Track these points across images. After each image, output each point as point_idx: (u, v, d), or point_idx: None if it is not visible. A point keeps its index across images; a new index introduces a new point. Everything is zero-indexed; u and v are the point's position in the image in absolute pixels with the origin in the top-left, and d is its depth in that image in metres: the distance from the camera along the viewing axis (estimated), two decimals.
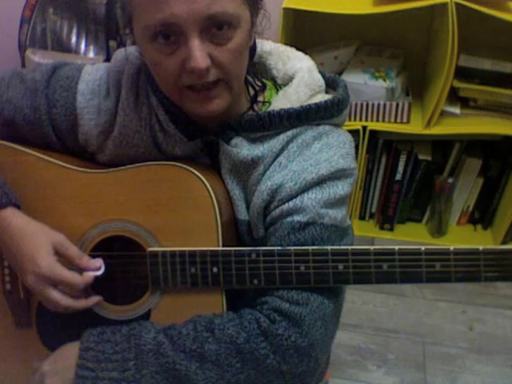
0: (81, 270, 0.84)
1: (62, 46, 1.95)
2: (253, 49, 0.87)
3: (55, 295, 0.82)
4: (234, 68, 0.77)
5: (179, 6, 0.69)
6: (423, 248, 0.78)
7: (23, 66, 1.94)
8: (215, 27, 0.72)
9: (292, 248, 0.80)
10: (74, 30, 1.96)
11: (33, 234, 0.84)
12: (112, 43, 1.94)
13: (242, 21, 0.74)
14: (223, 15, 0.71)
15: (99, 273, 0.86)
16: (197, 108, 0.79)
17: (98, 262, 0.86)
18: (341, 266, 0.79)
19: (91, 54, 1.95)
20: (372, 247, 0.79)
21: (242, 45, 0.76)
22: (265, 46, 0.93)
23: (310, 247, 0.80)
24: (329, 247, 0.80)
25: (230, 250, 0.81)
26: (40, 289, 0.82)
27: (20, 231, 0.84)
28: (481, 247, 0.77)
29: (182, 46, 0.72)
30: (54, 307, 0.84)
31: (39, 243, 0.83)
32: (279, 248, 0.81)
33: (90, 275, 0.84)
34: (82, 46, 1.96)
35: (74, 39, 1.96)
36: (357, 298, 1.88)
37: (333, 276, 0.80)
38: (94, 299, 0.87)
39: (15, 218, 0.85)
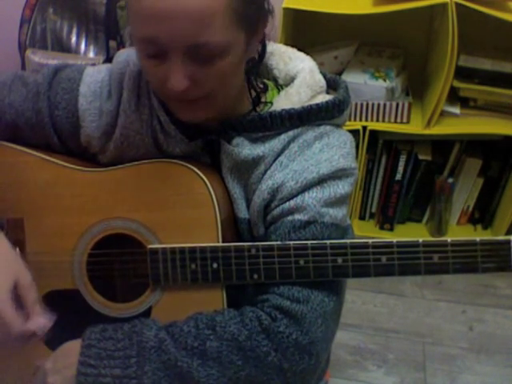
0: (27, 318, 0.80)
1: (62, 46, 1.95)
2: (259, 54, 0.86)
3: None
4: (217, 89, 0.77)
5: (163, 31, 0.69)
6: (421, 240, 0.79)
7: (23, 66, 1.95)
8: (200, 52, 0.71)
9: (291, 243, 0.81)
10: (74, 30, 1.96)
11: (1, 263, 0.81)
12: (112, 43, 1.95)
13: (231, 48, 0.73)
14: (208, 46, 0.70)
15: (40, 332, 0.80)
16: (181, 115, 0.81)
17: (42, 322, 0.81)
18: (340, 260, 0.80)
19: (91, 54, 1.95)
20: (370, 240, 0.79)
21: (229, 69, 0.75)
22: (266, 46, 0.93)
23: (309, 241, 0.80)
24: (327, 241, 0.80)
25: (230, 246, 0.82)
26: None
27: None
28: (478, 238, 0.78)
29: (166, 61, 0.73)
30: None
31: (1, 276, 0.79)
32: (278, 243, 0.81)
33: (31, 327, 0.80)
34: (82, 46, 1.96)
35: (74, 39, 1.96)
36: (357, 298, 1.88)
37: (332, 269, 0.80)
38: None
39: None
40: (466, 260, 0.78)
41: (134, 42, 0.74)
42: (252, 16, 0.74)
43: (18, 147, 0.91)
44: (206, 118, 0.81)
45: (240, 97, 0.86)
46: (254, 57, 0.85)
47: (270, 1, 0.80)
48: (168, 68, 0.73)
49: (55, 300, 0.86)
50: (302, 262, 0.80)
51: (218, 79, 0.75)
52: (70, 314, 0.88)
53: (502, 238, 0.78)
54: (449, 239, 0.78)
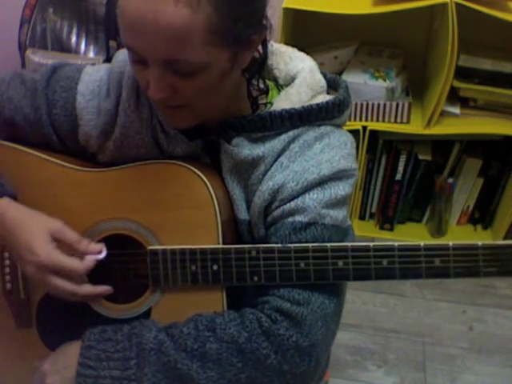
0: (82, 256, 0.82)
1: (62, 46, 1.95)
2: (262, 57, 0.86)
3: (57, 282, 0.80)
4: (200, 100, 0.77)
5: (140, 43, 0.70)
6: (422, 244, 0.78)
7: (23, 66, 1.94)
8: (177, 66, 0.72)
9: (292, 245, 0.80)
10: (74, 30, 1.96)
11: (29, 222, 0.82)
12: (112, 43, 1.95)
13: (212, 65, 0.72)
14: (184, 63, 0.70)
15: (101, 256, 0.83)
16: (168, 121, 0.83)
17: (99, 246, 0.84)
18: (340, 263, 0.79)
19: (91, 54, 1.95)
20: (371, 243, 0.79)
21: (211, 83, 0.75)
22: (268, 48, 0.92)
23: (310, 244, 0.80)
24: (328, 244, 0.80)
25: (230, 248, 0.82)
26: (41, 277, 0.81)
27: (16, 221, 0.82)
28: (480, 242, 0.77)
29: (148, 67, 0.73)
30: (60, 294, 0.82)
31: (35, 231, 0.81)
32: (279, 245, 0.81)
33: (91, 259, 0.82)
34: (82, 46, 1.96)
35: (74, 39, 1.96)
36: (357, 298, 1.88)
37: (333, 272, 0.80)
38: (102, 287, 0.85)
39: (11, 208, 0.84)
40: (468, 264, 0.78)
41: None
42: (240, 33, 0.72)
43: (18, 147, 0.91)
44: (187, 127, 0.82)
45: (240, 97, 0.86)
46: (256, 58, 0.84)
47: (271, 1, 0.79)
48: (149, 75, 0.73)
49: (55, 300, 0.86)
50: (302, 265, 0.80)
51: (198, 92, 0.75)
52: (69, 315, 0.88)
53: (503, 242, 0.78)
54: (450, 243, 0.78)
